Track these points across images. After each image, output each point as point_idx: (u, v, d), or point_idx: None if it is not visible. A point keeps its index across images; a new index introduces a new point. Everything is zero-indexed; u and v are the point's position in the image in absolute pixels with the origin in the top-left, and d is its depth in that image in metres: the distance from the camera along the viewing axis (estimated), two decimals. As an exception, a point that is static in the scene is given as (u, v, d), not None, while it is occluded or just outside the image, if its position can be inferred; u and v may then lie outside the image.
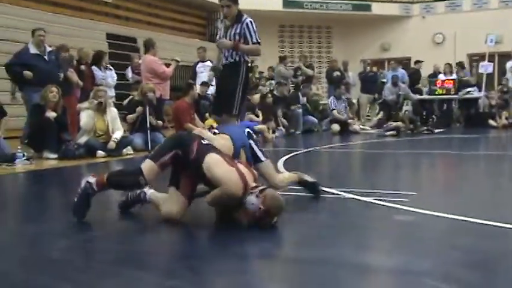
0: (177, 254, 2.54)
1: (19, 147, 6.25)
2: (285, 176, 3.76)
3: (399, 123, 10.72)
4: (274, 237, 2.81)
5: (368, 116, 14.06)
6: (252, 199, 2.81)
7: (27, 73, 7.02)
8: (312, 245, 2.58)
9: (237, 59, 5.00)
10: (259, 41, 4.97)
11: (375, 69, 15.79)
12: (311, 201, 3.64)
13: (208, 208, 3.06)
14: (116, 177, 3.12)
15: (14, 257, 2.49)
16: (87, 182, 3.03)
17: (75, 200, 3.06)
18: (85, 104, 7.18)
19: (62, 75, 7.67)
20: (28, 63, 7.14)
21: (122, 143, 7.13)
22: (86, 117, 7.02)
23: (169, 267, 2.31)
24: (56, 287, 2.04)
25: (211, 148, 3.01)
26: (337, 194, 3.84)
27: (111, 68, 9.32)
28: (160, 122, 8.03)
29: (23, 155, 6.09)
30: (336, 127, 11.19)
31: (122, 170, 4.12)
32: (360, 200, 3.64)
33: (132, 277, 2.11)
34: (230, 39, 4.95)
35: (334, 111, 11.43)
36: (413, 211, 3.20)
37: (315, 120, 11.85)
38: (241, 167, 2.97)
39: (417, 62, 14.40)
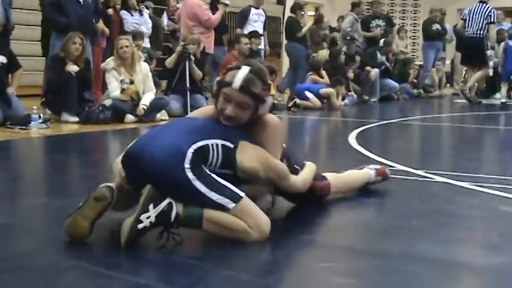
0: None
1: (35, 108, 6.32)
2: None
3: None
4: (348, 226, 2.85)
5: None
6: None
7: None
8: (394, 237, 2.59)
9: None
10: None
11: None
12: (392, 184, 3.60)
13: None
14: None
15: (35, 238, 2.51)
16: None
17: None
18: (111, 64, 7.01)
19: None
20: (62, 6, 7.15)
21: (157, 105, 7.15)
22: (114, 80, 6.98)
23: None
24: (88, 269, 2.13)
25: None
26: (424, 177, 3.82)
27: (147, 10, 9.07)
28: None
29: (39, 117, 6.16)
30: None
31: None
32: (452, 184, 3.60)
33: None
34: None
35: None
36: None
37: (396, 85, 11.75)
38: None
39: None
